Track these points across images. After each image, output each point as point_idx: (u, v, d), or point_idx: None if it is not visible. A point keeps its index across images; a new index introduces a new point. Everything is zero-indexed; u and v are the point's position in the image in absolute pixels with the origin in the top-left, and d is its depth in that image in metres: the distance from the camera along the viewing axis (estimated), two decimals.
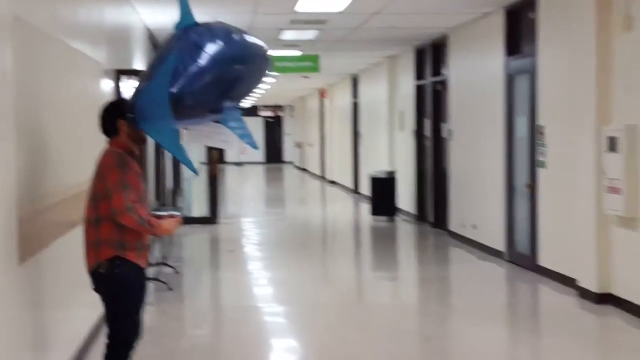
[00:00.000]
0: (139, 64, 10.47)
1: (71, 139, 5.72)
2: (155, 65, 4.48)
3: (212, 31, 4.46)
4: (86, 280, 4.62)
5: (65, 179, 5.42)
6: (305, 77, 20.48)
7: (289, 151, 40.67)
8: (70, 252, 5.37)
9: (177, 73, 4.30)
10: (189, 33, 4.43)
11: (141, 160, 8.58)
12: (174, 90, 4.28)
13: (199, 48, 4.33)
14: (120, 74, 8.24)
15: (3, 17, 4.07)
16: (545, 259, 9.22)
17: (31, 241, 4.49)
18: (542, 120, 9.20)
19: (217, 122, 4.56)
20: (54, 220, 5.11)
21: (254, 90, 4.81)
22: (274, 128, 41.69)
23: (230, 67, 4.44)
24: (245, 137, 4.54)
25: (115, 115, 4.57)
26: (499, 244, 10.52)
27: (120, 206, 4.35)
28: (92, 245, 4.51)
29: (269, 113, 41.00)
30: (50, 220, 5.00)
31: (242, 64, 4.48)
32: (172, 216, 4.72)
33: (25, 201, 4.36)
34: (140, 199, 4.46)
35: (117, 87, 8.12)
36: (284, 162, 40.97)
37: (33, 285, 4.63)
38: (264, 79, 4.82)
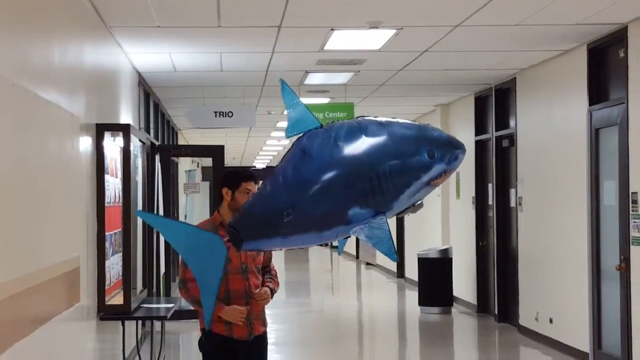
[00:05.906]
0: (127, 117, 10.53)
1: (36, 210, 5.70)
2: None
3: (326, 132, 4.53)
4: None
5: (24, 262, 5.39)
6: None
7: None
8: None
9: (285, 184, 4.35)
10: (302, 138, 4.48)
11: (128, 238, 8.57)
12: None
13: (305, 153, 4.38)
14: (102, 129, 8.28)
15: None
16: None
17: None
18: (636, 185, 9.12)
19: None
20: (9, 318, 5.06)
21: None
22: None
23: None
24: (381, 244, 4.39)
25: (222, 183, 5.66)
26: (583, 343, 10.39)
27: (178, 280, 5.63)
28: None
29: None
30: (4, 318, 4.95)
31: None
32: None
33: None
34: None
35: (99, 146, 8.15)
36: None
37: None
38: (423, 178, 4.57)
